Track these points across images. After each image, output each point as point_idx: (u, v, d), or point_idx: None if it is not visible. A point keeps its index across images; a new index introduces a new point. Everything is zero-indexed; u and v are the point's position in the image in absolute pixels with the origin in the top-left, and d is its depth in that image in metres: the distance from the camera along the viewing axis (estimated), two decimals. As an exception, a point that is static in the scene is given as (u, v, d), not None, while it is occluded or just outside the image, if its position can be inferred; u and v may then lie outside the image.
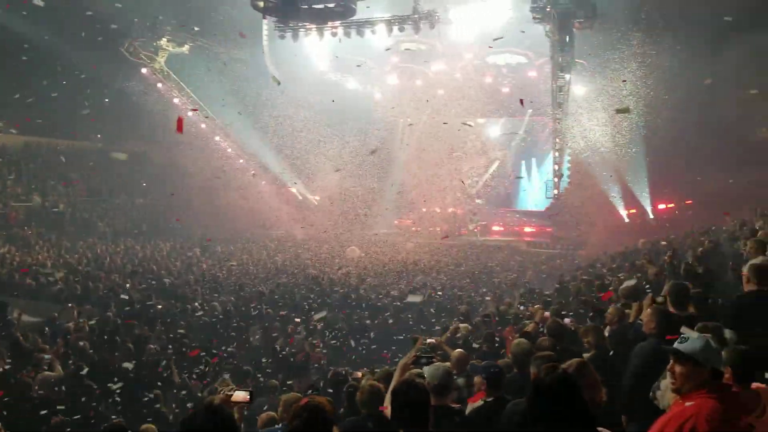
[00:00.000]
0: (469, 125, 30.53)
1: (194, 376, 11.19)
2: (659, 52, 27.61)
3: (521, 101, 29.73)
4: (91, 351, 11.25)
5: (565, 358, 5.67)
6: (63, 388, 9.07)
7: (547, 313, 9.58)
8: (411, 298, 16.31)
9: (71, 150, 36.04)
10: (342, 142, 35.33)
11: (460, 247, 30.60)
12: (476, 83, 34.47)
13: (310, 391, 6.90)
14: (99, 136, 36.31)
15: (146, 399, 9.60)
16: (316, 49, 33.39)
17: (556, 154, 31.45)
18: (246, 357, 13.04)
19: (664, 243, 19.63)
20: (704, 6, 25.36)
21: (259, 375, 11.29)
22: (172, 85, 33.91)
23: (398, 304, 16.43)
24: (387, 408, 3.90)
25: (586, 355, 6.21)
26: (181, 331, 13.03)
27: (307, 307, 16.28)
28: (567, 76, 26.89)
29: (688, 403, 3.49)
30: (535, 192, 37.90)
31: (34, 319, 14.58)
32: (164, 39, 32.83)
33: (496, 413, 5.19)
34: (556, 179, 32.21)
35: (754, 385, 4.08)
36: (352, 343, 13.80)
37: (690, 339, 3.62)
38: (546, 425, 3.03)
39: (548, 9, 25.33)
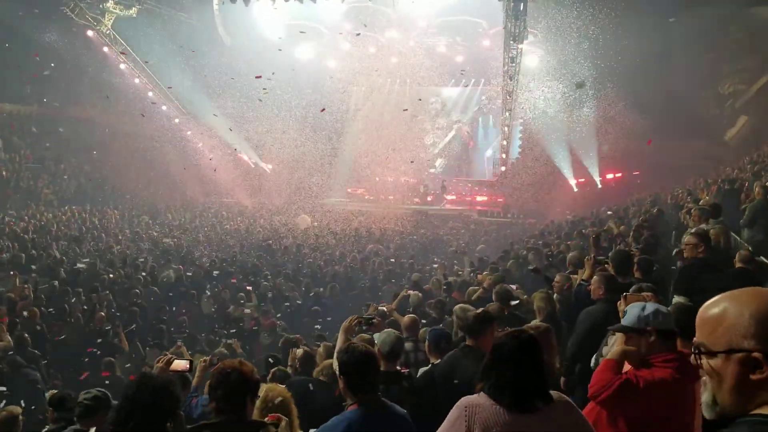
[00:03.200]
0: None
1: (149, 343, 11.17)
2: (611, 23, 27.74)
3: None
4: (40, 321, 11.15)
5: (512, 323, 5.79)
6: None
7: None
8: None
9: (15, 115, 34.98)
10: (294, 108, 34.91)
11: (411, 216, 30.65)
12: (430, 51, 34.29)
13: (271, 360, 6.95)
14: (45, 100, 35.26)
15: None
16: (267, 14, 32.77)
17: (505, 128, 31.22)
18: (198, 324, 13.01)
19: (609, 212, 20.07)
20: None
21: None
22: (119, 49, 32.95)
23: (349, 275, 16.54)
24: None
25: (535, 321, 6.32)
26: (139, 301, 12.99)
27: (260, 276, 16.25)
28: (520, 46, 26.77)
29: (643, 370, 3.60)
30: (486, 161, 38.16)
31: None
32: (111, 1, 31.75)
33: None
34: (503, 155, 32.21)
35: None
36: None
37: (627, 312, 3.74)
38: (501, 387, 3.03)
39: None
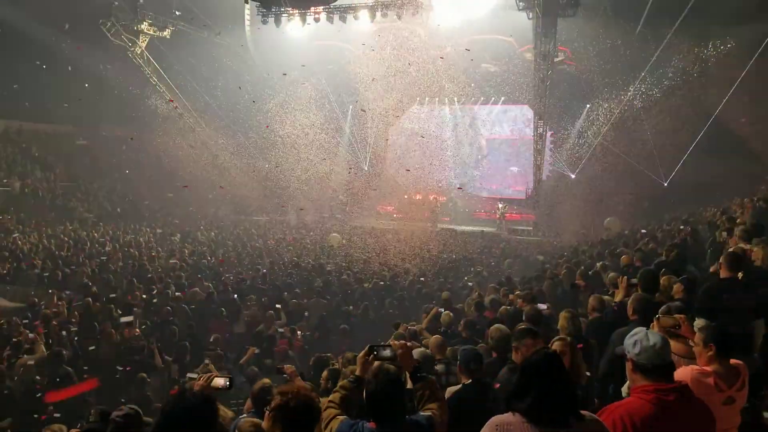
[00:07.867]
0: None
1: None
2: (640, 42, 27.58)
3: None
4: (74, 337, 11.30)
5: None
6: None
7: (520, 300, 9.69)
8: None
9: (51, 134, 35.78)
10: (323, 129, 35.17)
11: (440, 234, 30.50)
12: (459, 69, 34.28)
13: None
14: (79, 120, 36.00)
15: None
16: (298, 34, 33.11)
17: (537, 148, 30.48)
18: (228, 343, 13.03)
19: (644, 231, 19.83)
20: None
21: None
22: (152, 70, 33.57)
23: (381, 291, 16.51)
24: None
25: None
26: (171, 318, 13.08)
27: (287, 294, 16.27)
28: (550, 65, 26.56)
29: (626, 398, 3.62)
30: (516, 179, 38.03)
31: (14, 305, 14.53)
32: (145, 23, 32.41)
33: (474, 396, 5.26)
34: (536, 173, 31.72)
35: (733, 361, 4.19)
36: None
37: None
38: (534, 406, 3.04)
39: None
